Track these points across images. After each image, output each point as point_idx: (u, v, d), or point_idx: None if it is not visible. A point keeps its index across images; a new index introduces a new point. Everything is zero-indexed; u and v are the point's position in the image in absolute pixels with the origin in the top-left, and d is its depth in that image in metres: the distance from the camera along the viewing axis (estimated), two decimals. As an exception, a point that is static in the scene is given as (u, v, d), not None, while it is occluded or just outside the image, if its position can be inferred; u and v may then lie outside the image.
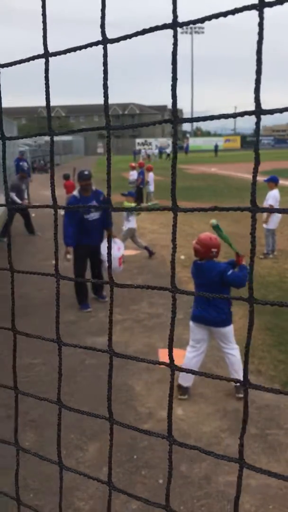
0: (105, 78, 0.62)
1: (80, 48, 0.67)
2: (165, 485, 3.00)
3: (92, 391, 4.20)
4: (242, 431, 0.77)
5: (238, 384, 3.95)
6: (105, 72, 0.62)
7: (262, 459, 3.27)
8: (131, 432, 3.57)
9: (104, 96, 0.65)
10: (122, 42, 0.67)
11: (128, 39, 0.61)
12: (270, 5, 0.53)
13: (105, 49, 0.63)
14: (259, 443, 3.43)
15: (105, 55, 0.62)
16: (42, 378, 4.48)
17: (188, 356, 4.06)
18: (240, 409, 3.88)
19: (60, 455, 1.07)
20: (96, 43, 0.63)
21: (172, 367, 0.80)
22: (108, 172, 0.74)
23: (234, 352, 4.01)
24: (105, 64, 0.62)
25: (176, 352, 4.89)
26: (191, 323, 4.09)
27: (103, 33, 0.62)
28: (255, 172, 0.57)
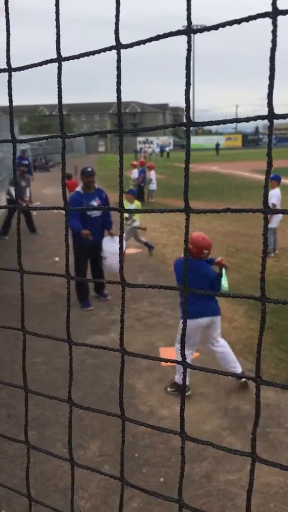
0: (119, 83, 0.61)
1: (93, 53, 0.66)
2: (167, 483, 3.01)
3: (93, 391, 4.21)
4: (254, 426, 0.77)
5: (242, 379, 3.99)
6: (119, 76, 0.61)
7: (263, 457, 3.26)
8: (132, 430, 3.58)
9: (117, 100, 0.64)
10: (126, 39, 0.66)
11: (142, 44, 0.60)
12: (284, 13, 0.53)
13: (118, 54, 0.61)
14: (260, 442, 3.43)
15: (118, 60, 0.61)
16: (42, 377, 4.49)
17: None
18: (240, 407, 3.88)
19: (71, 452, 1.07)
20: (109, 48, 0.62)
21: (185, 364, 0.80)
22: (121, 174, 0.73)
23: (225, 343, 4.13)
24: (118, 68, 0.61)
25: (174, 351, 4.88)
26: (192, 323, 4.00)
27: (117, 39, 0.61)
28: (267, 174, 0.57)
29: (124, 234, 7.20)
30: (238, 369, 4.05)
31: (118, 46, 0.61)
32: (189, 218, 0.58)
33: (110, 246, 6.24)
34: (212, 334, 4.07)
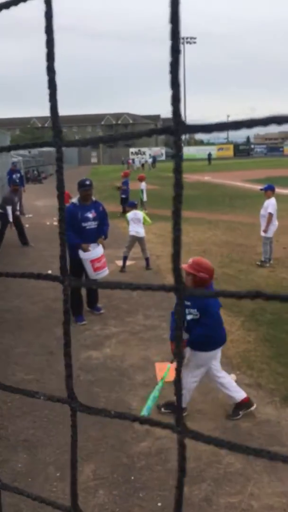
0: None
1: (32, 146, 0.58)
2: (164, 508, 2.87)
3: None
4: (178, 489, 0.67)
5: (236, 408, 3.84)
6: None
7: (264, 477, 3.15)
8: (127, 452, 3.45)
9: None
10: (117, 51, 0.57)
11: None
12: (189, 131, 0.43)
13: (59, 152, 0.50)
14: (261, 461, 3.31)
15: (59, 158, 0.50)
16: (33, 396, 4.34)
17: (189, 380, 3.79)
18: (239, 425, 3.76)
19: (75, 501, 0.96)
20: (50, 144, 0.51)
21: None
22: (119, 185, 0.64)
23: (224, 374, 3.93)
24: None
25: (173, 366, 4.77)
26: (209, 354, 3.76)
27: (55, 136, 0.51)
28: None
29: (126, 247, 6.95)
30: (238, 395, 3.86)
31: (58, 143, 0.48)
32: (181, 298, 0.45)
33: (86, 252, 6.03)
34: (216, 363, 3.89)
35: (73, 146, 0.50)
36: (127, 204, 9.50)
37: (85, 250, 5.99)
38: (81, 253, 6.01)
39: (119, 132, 0.44)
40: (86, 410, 0.55)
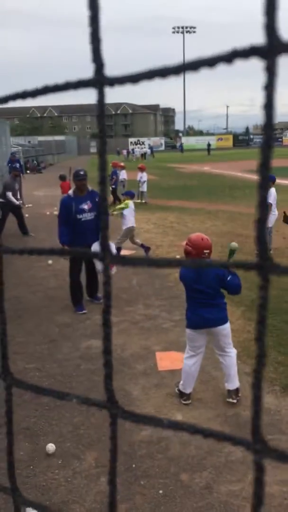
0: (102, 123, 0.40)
1: (72, 86, 0.43)
2: (166, 495, 2.89)
3: (88, 397, 4.08)
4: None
5: (231, 388, 3.86)
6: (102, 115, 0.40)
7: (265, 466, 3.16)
8: (128, 440, 3.46)
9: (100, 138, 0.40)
10: (115, 41, 0.53)
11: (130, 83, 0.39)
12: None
13: (101, 92, 0.40)
14: (261, 449, 3.33)
15: (101, 98, 0.39)
16: (36, 384, 4.35)
17: (188, 363, 3.94)
18: (240, 414, 3.78)
19: None
20: (90, 83, 0.41)
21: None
22: (102, 178, 0.59)
23: (232, 354, 3.93)
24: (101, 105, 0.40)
25: (174, 355, 4.78)
26: (189, 331, 3.91)
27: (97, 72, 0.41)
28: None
29: (119, 236, 7.10)
30: (231, 385, 3.90)
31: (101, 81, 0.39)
32: (267, 279, 0.35)
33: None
34: (216, 342, 3.92)
35: (120, 84, 0.39)
36: (125, 193, 9.43)
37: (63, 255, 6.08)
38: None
39: (116, 123, 0.33)
40: (129, 417, 0.42)
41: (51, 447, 3.37)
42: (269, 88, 0.28)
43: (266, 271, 0.34)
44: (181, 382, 3.98)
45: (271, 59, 0.28)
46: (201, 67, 0.32)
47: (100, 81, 0.36)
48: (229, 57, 0.30)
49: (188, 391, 3.93)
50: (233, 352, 3.94)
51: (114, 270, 6.46)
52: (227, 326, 3.88)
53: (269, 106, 0.29)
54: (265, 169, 0.32)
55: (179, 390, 4.02)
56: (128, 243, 9.00)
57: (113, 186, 15.67)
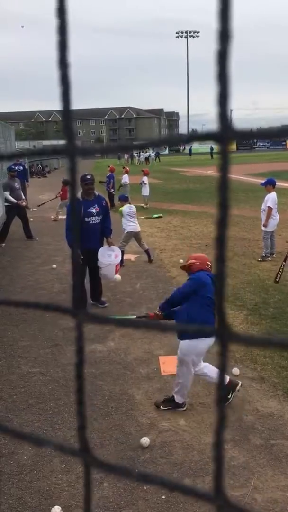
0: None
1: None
2: (169, 501, 2.89)
3: (92, 402, 4.09)
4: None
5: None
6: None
7: (268, 471, 3.16)
8: (132, 444, 3.47)
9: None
10: (121, 47, 0.56)
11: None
12: None
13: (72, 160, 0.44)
14: (264, 455, 3.33)
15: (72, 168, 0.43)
16: (40, 388, 4.37)
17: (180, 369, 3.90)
18: (243, 418, 3.78)
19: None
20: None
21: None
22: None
23: (206, 364, 3.93)
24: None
25: (175, 359, 4.79)
26: (197, 341, 3.74)
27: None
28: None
29: (121, 241, 7.11)
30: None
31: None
32: (225, 344, 0.36)
33: (105, 256, 6.23)
34: (198, 362, 3.89)
35: (88, 155, 0.42)
36: (119, 198, 9.47)
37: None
38: (106, 259, 6.21)
39: (158, 139, 0.37)
40: (101, 466, 0.43)
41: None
42: (224, 168, 0.34)
43: (225, 339, 0.36)
44: (178, 396, 3.93)
45: (223, 143, 0.33)
46: (164, 144, 0.38)
47: (71, 150, 0.40)
48: (189, 139, 0.36)
49: (181, 401, 3.91)
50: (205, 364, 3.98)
51: (118, 277, 6.52)
52: None
53: (224, 186, 0.35)
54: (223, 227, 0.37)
55: (171, 404, 3.95)
56: (133, 247, 9.01)
57: (112, 191, 15.82)
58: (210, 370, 3.89)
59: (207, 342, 3.72)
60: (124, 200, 9.03)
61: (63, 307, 0.47)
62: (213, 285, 3.71)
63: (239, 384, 3.92)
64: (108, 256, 6.21)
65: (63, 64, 0.38)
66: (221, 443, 0.38)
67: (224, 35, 0.32)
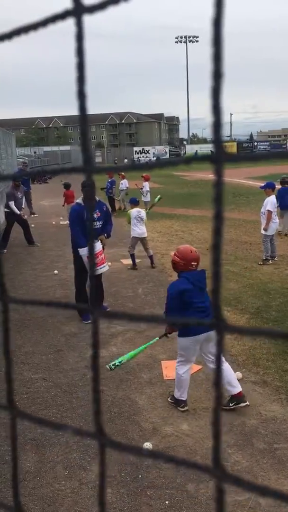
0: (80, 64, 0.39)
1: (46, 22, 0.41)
2: (172, 506, 2.88)
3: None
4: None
5: (235, 393, 3.83)
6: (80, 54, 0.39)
7: (271, 475, 3.15)
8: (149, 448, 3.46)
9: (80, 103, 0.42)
10: (121, 52, 0.56)
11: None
12: (91, 10, 0.40)
13: (79, 21, 0.41)
14: (268, 459, 3.31)
15: (79, 28, 0.41)
16: (42, 394, 4.37)
17: (180, 372, 3.95)
18: (246, 423, 3.77)
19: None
20: (67, 14, 0.40)
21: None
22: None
23: (224, 358, 3.94)
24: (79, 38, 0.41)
25: (173, 363, 4.78)
26: (186, 339, 3.86)
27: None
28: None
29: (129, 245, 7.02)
30: (234, 390, 3.85)
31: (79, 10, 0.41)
32: (222, 336, 0.40)
33: (82, 249, 6.08)
34: (209, 349, 3.88)
35: (103, 171, 0.49)
36: (129, 201, 9.48)
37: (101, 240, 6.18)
38: (80, 250, 6.06)
39: (154, 161, 0.42)
40: (115, 446, 0.48)
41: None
42: (219, 186, 0.38)
43: (222, 330, 0.40)
44: (176, 390, 3.98)
45: (218, 165, 0.38)
46: (166, 166, 0.44)
47: (78, 10, 0.40)
48: (188, 161, 0.40)
49: (184, 397, 3.94)
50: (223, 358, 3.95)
51: (106, 267, 6.32)
52: None
53: (218, 200, 0.39)
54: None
55: (173, 399, 4.02)
56: (142, 252, 8.96)
57: (112, 195, 15.96)
58: (226, 368, 3.89)
59: (193, 339, 3.83)
60: (135, 203, 9.04)
61: (81, 305, 0.54)
62: (195, 285, 3.75)
63: (246, 403, 3.87)
64: (83, 249, 6.09)
65: (82, 95, 0.42)
66: (218, 420, 0.43)
67: (217, 74, 0.35)
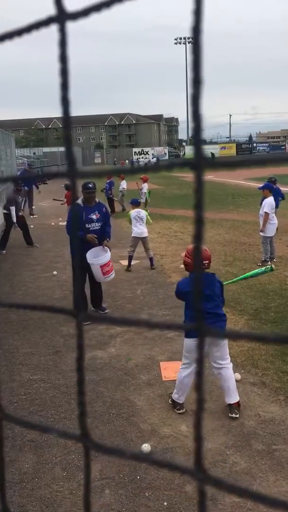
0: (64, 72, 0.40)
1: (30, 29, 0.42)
2: (170, 507, 2.88)
3: (93, 409, 4.09)
4: None
5: (232, 402, 3.82)
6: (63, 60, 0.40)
7: (270, 476, 3.16)
8: (133, 450, 3.46)
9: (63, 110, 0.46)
10: (120, 53, 0.56)
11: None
12: (74, 17, 0.41)
13: (62, 27, 0.42)
14: (266, 460, 3.32)
15: (62, 33, 0.41)
16: (41, 396, 4.37)
17: (182, 374, 3.92)
18: (244, 424, 3.77)
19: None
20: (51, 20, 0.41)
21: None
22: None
23: (229, 365, 3.92)
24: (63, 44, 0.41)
25: (178, 365, 4.79)
26: (191, 340, 3.86)
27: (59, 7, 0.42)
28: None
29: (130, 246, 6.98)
30: (232, 399, 3.84)
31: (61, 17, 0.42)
32: (202, 340, 0.42)
33: (93, 256, 6.09)
34: (213, 353, 3.87)
35: (88, 177, 0.49)
36: (130, 201, 9.49)
37: (91, 241, 6.07)
38: (90, 259, 6.03)
39: (120, 133, 0.42)
40: (99, 449, 0.48)
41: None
42: (199, 192, 0.39)
43: (201, 334, 0.41)
44: (175, 391, 3.98)
45: (198, 170, 0.39)
46: (152, 171, 0.45)
47: (72, 174, 0.45)
48: (170, 166, 0.41)
49: (181, 401, 3.94)
50: (230, 364, 3.92)
51: (113, 275, 6.34)
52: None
53: (199, 206, 0.39)
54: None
55: (172, 400, 4.03)
56: (141, 253, 8.96)
57: (111, 196, 16.02)
58: (229, 369, 3.91)
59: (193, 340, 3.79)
60: (136, 204, 9.07)
61: (65, 309, 0.53)
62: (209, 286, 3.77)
63: (237, 414, 3.84)
64: (96, 257, 6.11)
65: (65, 101, 0.42)
66: (200, 423, 0.43)
67: (197, 81, 0.37)
